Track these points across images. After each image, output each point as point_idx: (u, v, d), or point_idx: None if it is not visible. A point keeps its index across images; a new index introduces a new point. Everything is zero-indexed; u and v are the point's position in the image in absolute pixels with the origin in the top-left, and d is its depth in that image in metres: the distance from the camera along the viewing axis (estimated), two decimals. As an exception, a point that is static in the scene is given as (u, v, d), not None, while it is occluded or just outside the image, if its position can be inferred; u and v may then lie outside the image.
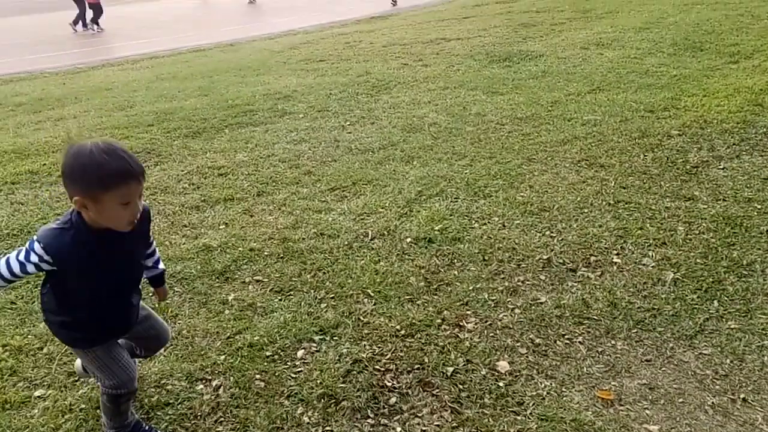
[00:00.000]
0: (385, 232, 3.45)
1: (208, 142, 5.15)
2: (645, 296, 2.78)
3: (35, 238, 1.73)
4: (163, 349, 2.41)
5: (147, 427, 2.15)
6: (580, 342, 2.53)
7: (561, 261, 3.09)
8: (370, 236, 3.42)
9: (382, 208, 3.75)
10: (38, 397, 2.32)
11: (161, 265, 2.18)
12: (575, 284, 2.91)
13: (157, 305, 2.73)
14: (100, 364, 1.94)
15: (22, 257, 1.73)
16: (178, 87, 7.39)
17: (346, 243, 3.35)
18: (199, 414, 2.23)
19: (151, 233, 2.04)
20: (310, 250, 3.30)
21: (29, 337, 2.66)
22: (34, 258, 1.71)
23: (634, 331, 2.58)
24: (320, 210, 3.77)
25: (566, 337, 2.56)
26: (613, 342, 2.53)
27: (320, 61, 8.53)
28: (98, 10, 15.58)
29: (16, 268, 1.74)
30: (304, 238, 3.42)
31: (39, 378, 2.42)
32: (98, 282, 1.82)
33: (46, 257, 1.71)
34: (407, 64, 7.87)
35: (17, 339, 2.64)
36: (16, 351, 2.57)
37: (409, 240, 3.35)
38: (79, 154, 1.66)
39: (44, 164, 4.72)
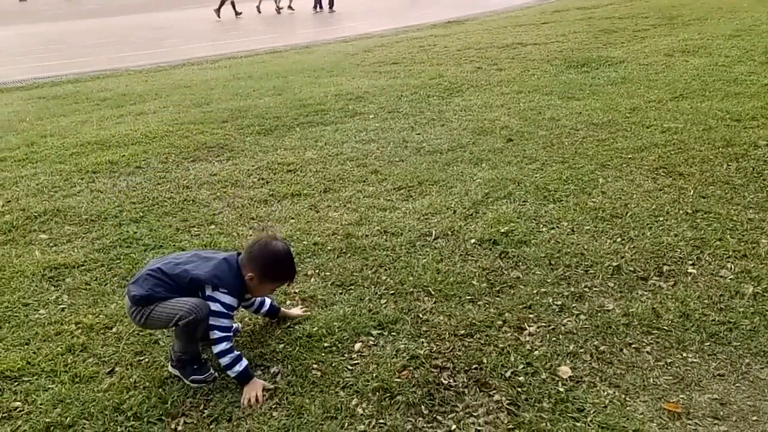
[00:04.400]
0: (449, 233, 3.41)
1: (279, 140, 5.27)
2: (721, 309, 2.62)
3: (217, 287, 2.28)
4: None
5: (203, 361, 2.38)
6: (647, 352, 2.41)
7: (631, 269, 2.96)
8: (433, 236, 3.39)
9: (448, 208, 3.71)
10: (106, 373, 2.43)
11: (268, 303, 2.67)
12: (645, 293, 2.77)
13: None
14: (176, 302, 2.25)
15: (223, 310, 2.28)
16: (253, 86, 7.61)
17: (408, 241, 3.34)
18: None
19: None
20: (373, 246, 3.30)
21: (100, 316, 2.79)
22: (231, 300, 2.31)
23: (707, 344, 2.43)
24: (385, 208, 3.78)
25: (633, 346, 2.45)
26: (683, 354, 2.39)
27: (393, 63, 8.58)
28: None
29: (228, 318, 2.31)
30: (367, 235, 3.43)
31: (107, 355, 2.53)
32: None
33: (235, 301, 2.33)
34: (481, 67, 7.79)
35: (89, 318, 2.77)
36: (87, 329, 2.70)
37: (473, 241, 3.30)
38: (274, 252, 2.33)
39: (123, 155, 4.97)
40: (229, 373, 2.29)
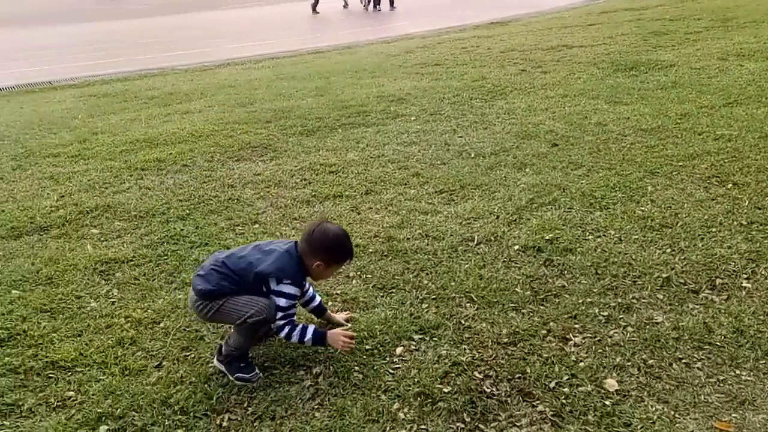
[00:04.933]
0: (492, 238, 3.38)
1: (321, 141, 5.31)
2: (779, 326, 2.52)
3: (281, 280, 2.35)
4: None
5: (250, 360, 2.45)
6: (698, 368, 2.34)
7: (682, 281, 2.88)
8: (476, 241, 3.37)
9: (490, 213, 3.68)
10: (154, 367, 2.49)
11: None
12: (697, 306, 2.69)
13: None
14: (247, 300, 2.32)
15: (291, 302, 2.38)
16: (296, 86, 7.69)
17: (450, 246, 3.32)
18: (299, 398, 2.28)
19: None
20: (414, 250, 3.30)
21: (149, 311, 2.86)
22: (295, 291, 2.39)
23: (762, 362, 2.34)
24: (427, 211, 3.76)
25: (683, 361, 2.38)
26: (737, 371, 2.31)
27: (435, 65, 8.55)
28: None
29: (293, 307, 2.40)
30: (408, 238, 3.43)
31: (155, 350, 2.59)
32: None
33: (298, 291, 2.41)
34: (525, 70, 7.69)
35: (138, 312, 2.85)
36: (136, 323, 2.77)
37: (516, 247, 3.26)
38: (334, 235, 2.40)
39: (170, 153, 5.09)
40: (305, 343, 2.41)
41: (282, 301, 2.34)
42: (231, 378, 2.38)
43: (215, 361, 2.45)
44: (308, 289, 2.64)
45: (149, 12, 23.64)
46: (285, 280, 2.34)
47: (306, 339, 2.39)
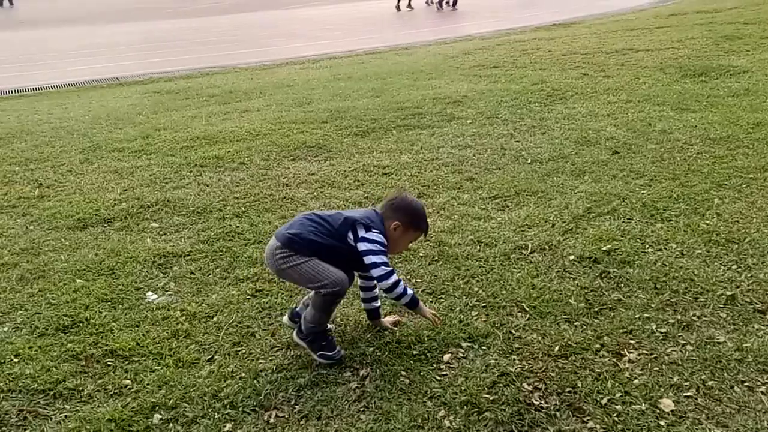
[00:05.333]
0: (546, 247, 3.31)
1: (375, 142, 5.32)
2: None
3: (369, 228, 2.42)
4: None
5: (331, 337, 2.54)
6: (762, 392, 2.22)
7: (748, 300, 2.74)
8: (529, 249, 3.30)
9: (546, 221, 3.60)
10: (206, 360, 2.55)
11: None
12: (763, 327, 2.55)
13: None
14: (327, 268, 2.38)
15: (380, 248, 2.42)
16: (352, 87, 7.75)
17: (503, 253, 3.27)
18: (345, 399, 2.30)
19: None
20: (465, 256, 3.26)
21: (203, 305, 2.94)
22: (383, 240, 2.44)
23: (832, 390, 2.20)
24: (479, 217, 3.72)
25: (746, 384, 2.26)
26: (804, 398, 2.18)
27: (494, 67, 8.44)
28: None
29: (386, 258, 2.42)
30: (460, 244, 3.39)
31: (208, 343, 2.66)
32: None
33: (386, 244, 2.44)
34: (587, 74, 7.50)
35: (193, 306, 2.93)
36: (191, 317, 2.85)
37: (572, 257, 3.18)
38: (416, 202, 2.56)
39: (229, 151, 5.21)
40: (406, 298, 2.44)
41: (370, 245, 2.38)
42: (314, 356, 2.49)
43: (295, 336, 2.56)
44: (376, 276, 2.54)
45: (225, 9, 24.28)
46: (374, 229, 2.42)
47: (406, 296, 2.44)
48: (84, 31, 18.59)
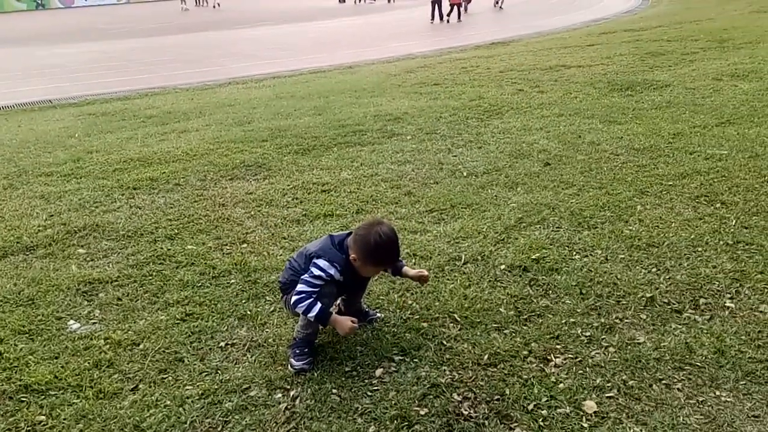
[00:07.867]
0: (479, 258, 3.36)
1: (316, 159, 5.32)
2: (759, 346, 2.49)
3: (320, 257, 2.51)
4: None
5: (311, 350, 2.59)
6: (678, 389, 2.30)
7: (666, 300, 2.85)
8: (462, 260, 3.35)
9: (479, 232, 3.66)
10: (129, 390, 2.46)
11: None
12: (679, 326, 2.65)
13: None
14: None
15: (316, 273, 2.47)
16: (294, 105, 7.74)
17: (437, 265, 3.30)
18: (274, 422, 2.25)
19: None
20: (401, 269, 3.27)
21: (129, 332, 2.83)
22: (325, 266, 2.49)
23: (743, 382, 2.31)
24: (416, 231, 3.75)
25: (663, 382, 2.34)
26: (716, 392, 2.27)
27: (434, 84, 8.59)
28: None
29: (319, 279, 2.47)
30: (396, 258, 3.40)
31: (132, 372, 2.56)
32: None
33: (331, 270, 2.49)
34: (522, 90, 7.72)
35: (118, 333, 2.82)
36: (115, 345, 2.74)
37: (503, 267, 3.24)
38: (374, 236, 2.44)
39: (164, 172, 5.10)
40: (309, 316, 2.46)
41: (307, 276, 2.47)
42: (289, 360, 2.55)
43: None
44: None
45: (168, 30, 23.93)
46: (322, 258, 2.50)
47: (311, 314, 2.45)
48: (19, 52, 17.99)
